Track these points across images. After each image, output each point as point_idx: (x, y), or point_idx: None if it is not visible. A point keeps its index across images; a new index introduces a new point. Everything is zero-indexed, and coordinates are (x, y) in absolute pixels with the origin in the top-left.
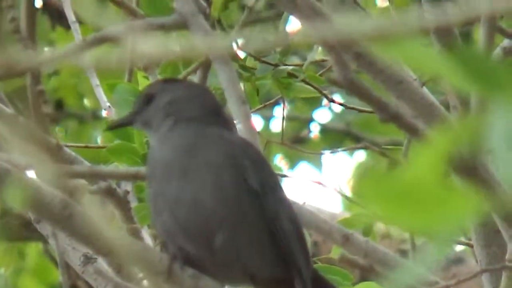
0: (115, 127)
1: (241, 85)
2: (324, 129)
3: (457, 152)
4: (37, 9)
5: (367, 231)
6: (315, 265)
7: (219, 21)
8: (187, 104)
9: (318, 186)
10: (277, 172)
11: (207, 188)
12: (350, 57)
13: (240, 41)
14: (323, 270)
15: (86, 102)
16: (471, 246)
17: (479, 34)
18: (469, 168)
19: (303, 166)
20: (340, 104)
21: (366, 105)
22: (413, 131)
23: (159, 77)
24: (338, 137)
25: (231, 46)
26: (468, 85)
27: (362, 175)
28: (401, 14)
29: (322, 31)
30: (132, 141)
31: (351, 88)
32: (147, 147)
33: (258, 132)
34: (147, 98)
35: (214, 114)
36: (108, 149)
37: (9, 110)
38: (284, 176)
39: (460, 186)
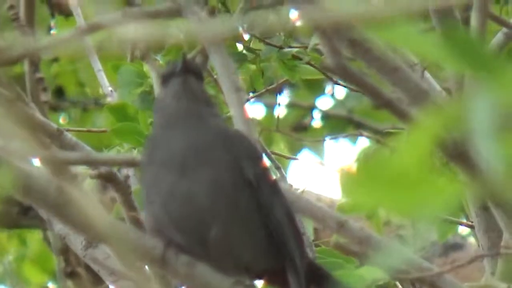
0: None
1: (246, 67)
2: (326, 116)
3: (447, 136)
4: None
5: (371, 215)
6: (318, 249)
7: (221, 6)
8: (209, 102)
9: (319, 172)
10: (281, 156)
11: (204, 182)
12: (345, 44)
13: (243, 24)
14: (326, 254)
15: (87, 89)
16: (473, 227)
17: (472, 19)
18: (459, 152)
19: (305, 154)
20: (345, 87)
21: None
22: (405, 117)
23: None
24: (340, 124)
25: (226, 31)
26: (458, 66)
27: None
28: None
29: (315, 16)
30: (136, 122)
31: (344, 74)
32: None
33: (253, 119)
34: (199, 72)
35: (212, 106)
36: (113, 130)
37: (8, 94)
38: (290, 158)
39: (445, 170)
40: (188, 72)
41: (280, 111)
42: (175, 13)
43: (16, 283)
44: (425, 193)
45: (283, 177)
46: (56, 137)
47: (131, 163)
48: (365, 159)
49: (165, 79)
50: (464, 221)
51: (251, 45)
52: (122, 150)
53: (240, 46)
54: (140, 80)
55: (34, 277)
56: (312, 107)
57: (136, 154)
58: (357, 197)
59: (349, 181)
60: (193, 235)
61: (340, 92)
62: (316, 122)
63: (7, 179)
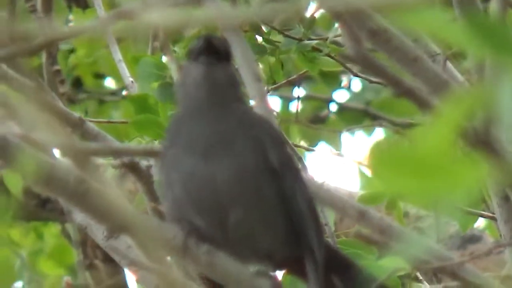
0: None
1: (265, 59)
2: (343, 109)
3: (469, 123)
4: None
5: (391, 206)
6: (339, 240)
7: None
8: (237, 88)
9: (337, 164)
10: (298, 148)
11: (226, 166)
12: (365, 35)
13: (261, 14)
14: (347, 244)
15: (105, 81)
16: (495, 219)
17: (492, 7)
18: (481, 139)
19: (322, 146)
20: (364, 78)
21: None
22: (426, 106)
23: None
24: (357, 117)
25: (245, 18)
26: (483, 51)
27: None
28: None
29: (334, 4)
30: (156, 115)
31: (364, 63)
32: None
33: (273, 110)
34: (228, 55)
35: (238, 88)
36: (132, 122)
37: (30, 83)
38: (308, 149)
39: (469, 156)
40: (211, 53)
41: (297, 104)
42: (195, 2)
43: (33, 277)
44: (448, 181)
45: (304, 168)
46: (78, 127)
47: (151, 154)
48: (385, 148)
49: (191, 56)
50: (485, 212)
51: (270, 37)
52: (143, 142)
53: (259, 38)
54: (160, 72)
55: (50, 270)
56: (329, 100)
57: (156, 145)
58: (379, 185)
59: (371, 169)
60: (212, 218)
61: (357, 85)
62: (333, 115)
63: (29, 169)
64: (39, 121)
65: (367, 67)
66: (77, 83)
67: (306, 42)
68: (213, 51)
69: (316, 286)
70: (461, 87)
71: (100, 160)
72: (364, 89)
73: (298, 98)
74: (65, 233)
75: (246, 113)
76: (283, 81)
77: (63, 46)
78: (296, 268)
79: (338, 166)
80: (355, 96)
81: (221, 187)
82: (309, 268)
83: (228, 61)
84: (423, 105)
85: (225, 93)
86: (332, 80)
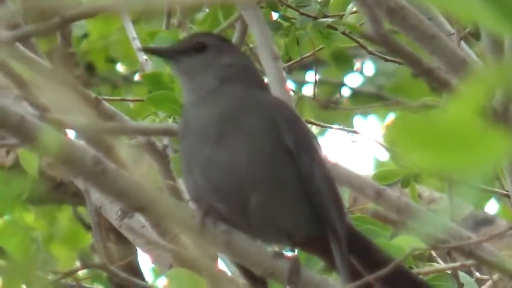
0: (152, 51)
1: (281, 36)
2: (356, 93)
3: (490, 99)
4: None
5: (406, 182)
6: (353, 216)
7: None
8: (240, 72)
9: (350, 145)
10: (316, 124)
11: (242, 151)
12: (383, 13)
13: None
14: (362, 221)
15: (117, 66)
16: (509, 197)
17: None
18: (500, 117)
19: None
20: (380, 57)
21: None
22: (445, 85)
23: (195, 30)
24: (369, 101)
25: None
26: (503, 28)
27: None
28: None
29: None
30: (172, 91)
31: (384, 43)
32: None
33: (290, 90)
34: (199, 46)
35: (255, 78)
36: (148, 99)
37: (47, 64)
38: (325, 126)
39: (489, 133)
40: (176, 54)
41: (314, 86)
42: None
43: (48, 260)
44: (469, 156)
45: (320, 146)
46: (95, 106)
47: (167, 132)
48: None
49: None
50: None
51: (286, 14)
52: (157, 120)
53: (275, 15)
54: None
55: (62, 254)
56: (341, 84)
57: (171, 122)
58: (394, 162)
59: (390, 143)
60: (234, 204)
61: (369, 69)
62: (345, 99)
63: (48, 148)
64: (57, 100)
65: (386, 46)
66: (90, 68)
67: (322, 19)
68: (181, 48)
69: (342, 266)
70: (479, 66)
71: (117, 140)
72: (376, 73)
73: (316, 74)
74: (77, 216)
75: (255, 95)
76: (298, 59)
77: (76, 31)
78: (317, 247)
79: (352, 146)
80: (367, 80)
81: (238, 172)
82: (334, 248)
83: (202, 53)
84: (443, 84)
85: (221, 77)
86: (344, 63)
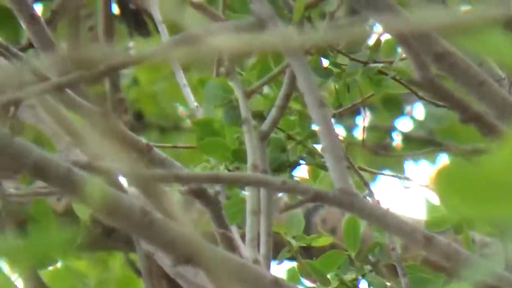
0: None
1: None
2: (406, 138)
3: None
4: (114, 16)
5: (458, 229)
6: (407, 265)
7: (306, 21)
8: None
9: (402, 191)
10: (367, 171)
11: None
12: (430, 59)
13: (327, 38)
14: (414, 269)
15: (167, 111)
16: None
17: None
18: None
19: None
20: (430, 102)
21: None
22: (495, 131)
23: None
24: (420, 145)
25: (311, 43)
26: None
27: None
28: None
29: (399, 27)
30: (222, 137)
31: (431, 88)
32: (238, 143)
33: (338, 135)
34: None
35: None
36: (199, 146)
37: (97, 110)
38: (377, 173)
39: None
40: None
41: (361, 132)
42: (258, 27)
43: None
44: None
45: (371, 193)
46: (145, 153)
47: (217, 180)
48: (451, 171)
49: None
50: None
51: (335, 60)
52: (208, 166)
53: (324, 61)
54: (226, 94)
55: None
56: (392, 129)
57: (222, 170)
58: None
59: (437, 192)
60: None
61: (420, 112)
62: (396, 143)
63: (94, 200)
64: (106, 147)
65: (434, 91)
66: (139, 114)
67: (372, 65)
68: None
69: None
70: None
71: (167, 187)
72: (427, 117)
73: (364, 120)
74: (130, 263)
75: None
76: (349, 105)
77: (125, 77)
78: None
79: (403, 192)
80: (418, 124)
81: None
82: None
83: None
84: (491, 130)
85: None
86: (394, 107)
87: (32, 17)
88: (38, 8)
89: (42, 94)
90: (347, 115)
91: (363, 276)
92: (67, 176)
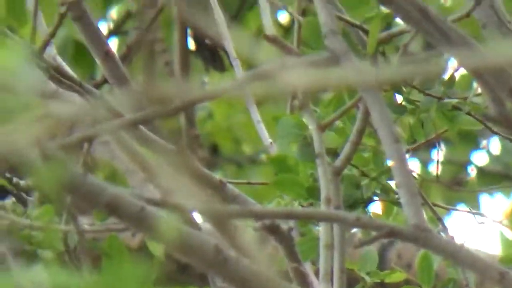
0: None
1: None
2: (481, 172)
3: None
4: (190, 52)
5: None
6: None
7: (380, 56)
8: None
9: (476, 225)
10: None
11: None
12: (506, 94)
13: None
14: None
15: (243, 146)
16: None
17: None
18: None
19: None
20: (506, 138)
21: None
22: None
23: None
24: (495, 180)
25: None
26: None
27: None
28: None
29: (474, 62)
30: (296, 174)
31: (506, 123)
32: (312, 180)
33: (413, 171)
34: None
35: None
36: (273, 183)
37: (171, 146)
38: (451, 209)
39: None
40: None
41: (436, 167)
42: (332, 63)
43: None
44: None
45: (445, 228)
46: (219, 189)
47: (290, 216)
48: None
49: None
50: None
51: (409, 96)
52: (282, 203)
53: (398, 97)
54: (300, 131)
55: None
56: (467, 163)
57: (296, 206)
58: None
59: None
60: None
61: (496, 147)
62: (471, 177)
63: (167, 238)
64: (180, 184)
65: (510, 127)
66: (215, 149)
67: (446, 100)
68: None
69: None
70: None
71: (241, 223)
72: (503, 151)
73: (438, 155)
74: None
75: None
76: (423, 141)
77: (200, 112)
78: None
79: (478, 227)
80: (494, 158)
81: None
82: None
83: None
84: None
85: None
86: (470, 142)
87: (106, 53)
88: (113, 43)
89: (116, 130)
90: (422, 149)
91: None
92: (140, 214)
